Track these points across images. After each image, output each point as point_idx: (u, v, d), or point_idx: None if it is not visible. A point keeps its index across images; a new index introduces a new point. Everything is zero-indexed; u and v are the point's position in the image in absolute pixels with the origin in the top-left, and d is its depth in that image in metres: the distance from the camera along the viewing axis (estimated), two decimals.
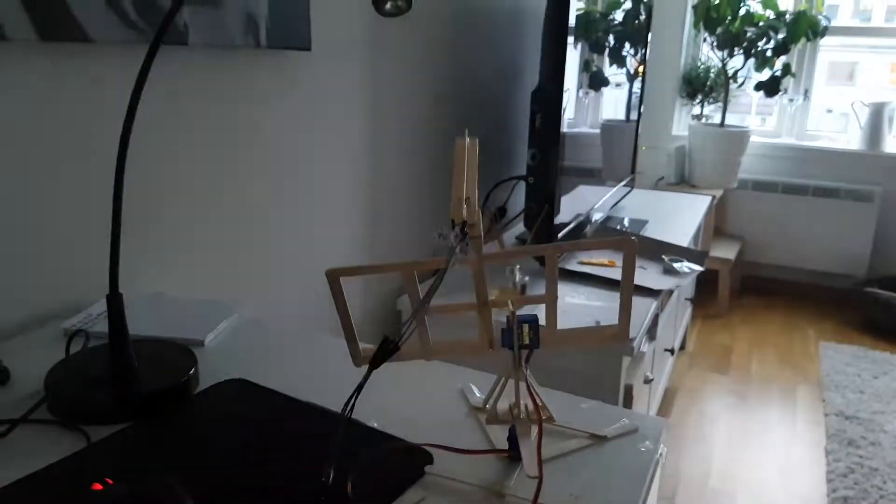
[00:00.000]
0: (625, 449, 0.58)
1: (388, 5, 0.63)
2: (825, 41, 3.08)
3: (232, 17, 0.97)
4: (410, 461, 0.54)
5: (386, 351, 0.51)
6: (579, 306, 1.39)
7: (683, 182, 3.18)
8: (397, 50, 1.43)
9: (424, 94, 1.56)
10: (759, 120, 3.47)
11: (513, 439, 0.55)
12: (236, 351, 0.76)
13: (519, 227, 1.95)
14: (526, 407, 0.55)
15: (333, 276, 0.56)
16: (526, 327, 0.54)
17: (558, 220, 1.59)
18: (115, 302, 0.64)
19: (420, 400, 0.66)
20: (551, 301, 0.58)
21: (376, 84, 1.37)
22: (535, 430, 0.53)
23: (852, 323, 2.92)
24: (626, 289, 0.59)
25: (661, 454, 0.59)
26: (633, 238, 0.56)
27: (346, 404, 0.48)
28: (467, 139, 0.63)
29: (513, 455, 0.55)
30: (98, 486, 0.45)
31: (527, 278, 1.48)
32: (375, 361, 0.51)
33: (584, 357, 1.29)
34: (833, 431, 2.00)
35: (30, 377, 0.68)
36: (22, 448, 0.56)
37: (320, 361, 0.74)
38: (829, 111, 3.48)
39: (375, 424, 0.60)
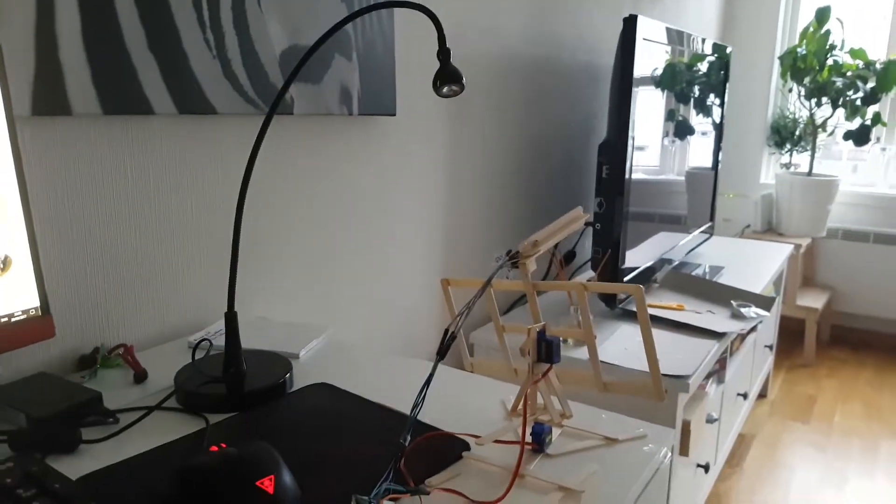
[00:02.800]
0: (631, 450, 0.69)
1: (445, 90, 0.79)
2: None
3: (330, 90, 1.16)
4: (451, 447, 0.68)
5: (447, 342, 0.64)
6: (643, 346, 1.48)
7: (770, 230, 3.16)
8: (475, 110, 1.60)
9: (500, 149, 1.72)
10: (851, 168, 3.41)
11: (535, 434, 0.68)
12: (324, 363, 0.92)
13: (591, 271, 2.05)
14: (546, 408, 0.68)
15: (444, 284, 0.81)
16: (544, 345, 0.67)
17: (629, 264, 1.69)
18: (231, 319, 0.81)
19: (467, 404, 0.79)
20: (588, 337, 0.71)
21: (454, 142, 1.55)
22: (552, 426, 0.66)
23: None
24: (647, 342, 0.70)
25: (664, 456, 0.69)
26: (640, 286, 0.68)
27: (421, 391, 0.62)
28: (582, 210, 0.80)
29: (535, 447, 0.68)
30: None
31: (591, 317, 1.58)
32: (441, 352, 0.65)
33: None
34: None
35: (162, 377, 0.86)
36: (157, 429, 0.73)
37: (390, 374, 0.89)
38: None
39: (428, 420, 0.74)
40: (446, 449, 0.68)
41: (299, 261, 1.22)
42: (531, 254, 0.76)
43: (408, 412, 0.76)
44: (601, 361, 1.37)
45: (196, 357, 0.87)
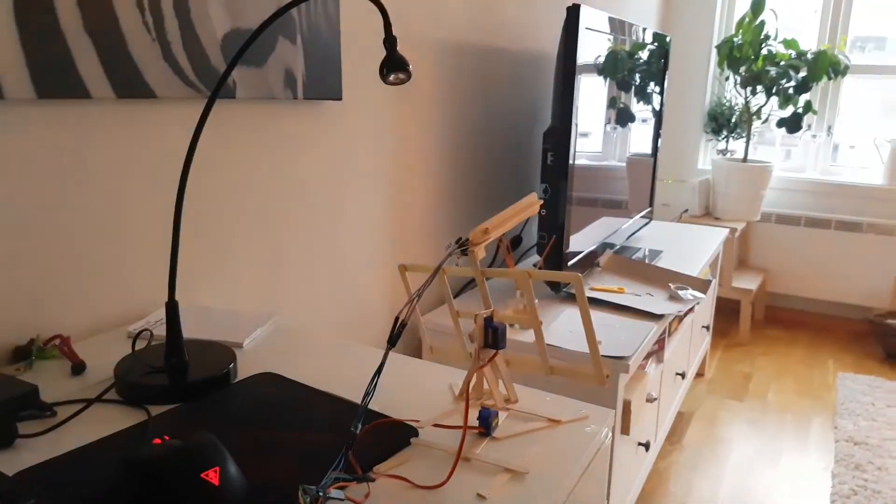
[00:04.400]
0: (574, 431, 0.71)
1: (392, 77, 0.79)
2: (874, 72, 3.17)
3: (274, 73, 1.14)
4: (400, 433, 0.68)
5: (398, 329, 0.64)
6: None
7: (707, 215, 3.26)
8: (422, 97, 1.60)
9: (447, 135, 1.72)
10: (784, 155, 3.54)
11: (482, 419, 0.69)
12: (269, 352, 0.92)
13: (537, 256, 2.08)
14: (492, 392, 0.69)
15: (402, 269, 0.83)
16: (490, 331, 0.68)
17: (573, 248, 1.72)
18: (172, 308, 0.80)
19: (416, 391, 0.80)
20: (534, 323, 0.72)
21: (402, 127, 1.54)
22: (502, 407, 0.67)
23: (872, 354, 2.95)
24: (587, 329, 0.72)
25: (605, 436, 0.72)
26: (579, 275, 0.70)
27: (371, 380, 0.62)
28: (537, 196, 0.80)
29: (482, 431, 0.69)
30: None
31: (536, 301, 1.61)
32: (392, 340, 0.65)
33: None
34: (841, 456, 2.06)
35: (101, 369, 0.84)
36: (97, 421, 0.72)
37: (337, 362, 0.89)
38: (852, 147, 3.54)
39: (377, 407, 0.75)
40: (395, 435, 0.68)
41: (243, 248, 1.20)
42: (481, 241, 0.77)
43: (356, 400, 0.77)
44: (548, 345, 1.40)
45: (136, 347, 0.85)
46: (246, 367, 0.86)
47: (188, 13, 0.99)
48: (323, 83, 1.25)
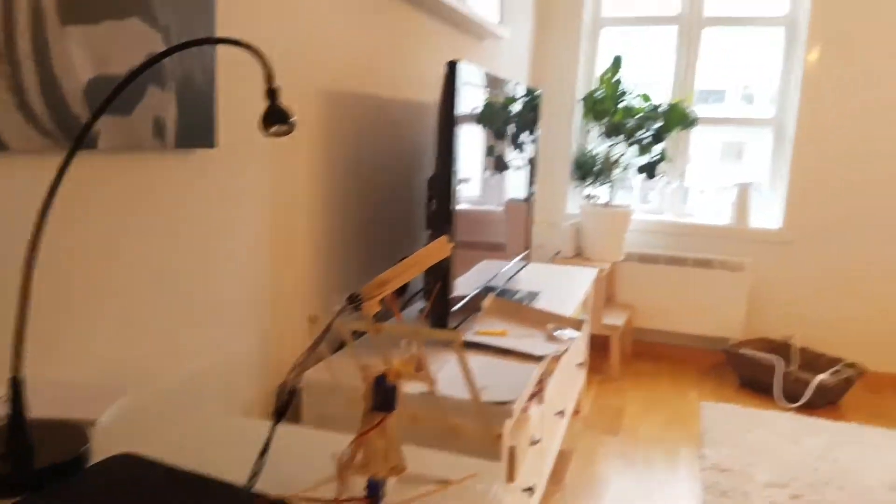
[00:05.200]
0: (466, 491, 0.70)
1: (273, 129, 0.76)
2: (716, 123, 3.47)
3: (142, 122, 1.07)
4: None
5: (286, 400, 0.60)
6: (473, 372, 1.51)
7: (578, 255, 3.42)
8: (303, 144, 1.56)
9: (331, 183, 1.69)
10: (643, 199, 3.80)
11: (370, 487, 0.66)
12: (129, 429, 0.83)
13: (423, 301, 2.08)
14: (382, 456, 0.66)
15: (312, 320, 0.74)
16: (381, 392, 0.66)
17: (458, 293, 1.73)
18: (16, 386, 0.71)
19: (298, 462, 0.75)
20: (428, 382, 0.70)
21: (283, 175, 1.50)
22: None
23: (729, 383, 3.18)
24: (470, 387, 0.71)
25: (496, 492, 0.71)
26: (458, 333, 0.70)
27: (258, 459, 0.58)
28: (445, 241, 0.76)
29: (370, 500, 0.66)
30: None
31: (423, 349, 1.59)
32: (279, 412, 0.61)
33: (467, 420, 1.41)
34: (708, 484, 2.18)
35: None
36: None
37: (209, 436, 0.83)
38: (702, 191, 3.86)
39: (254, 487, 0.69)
40: None
41: (102, 312, 1.10)
42: (375, 295, 0.75)
43: (229, 477, 0.71)
44: (441, 396, 1.39)
45: None
46: (102, 449, 0.77)
47: (48, 58, 0.91)
48: (196, 131, 1.19)
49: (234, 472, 0.72)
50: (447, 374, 1.51)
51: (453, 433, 1.37)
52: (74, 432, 0.76)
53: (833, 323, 3.30)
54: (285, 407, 0.61)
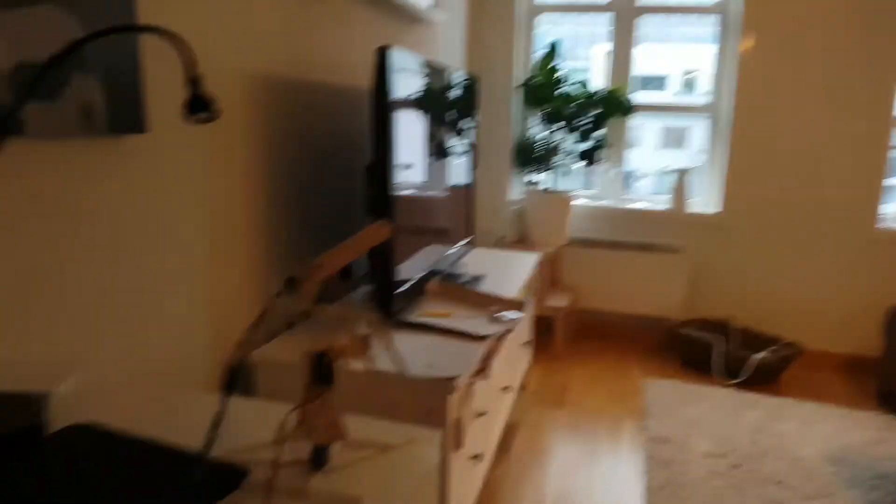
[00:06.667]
0: (405, 454, 0.74)
1: (196, 116, 0.78)
2: (655, 110, 3.57)
3: (68, 108, 1.07)
4: (231, 475, 0.67)
5: (233, 375, 0.63)
6: (418, 352, 1.56)
7: (522, 240, 3.49)
8: (235, 128, 1.57)
9: (267, 168, 1.71)
10: (584, 184, 3.90)
11: (314, 452, 0.70)
12: (83, 402, 0.85)
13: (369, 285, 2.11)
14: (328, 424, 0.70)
15: None
16: (320, 368, 0.70)
17: (402, 277, 1.77)
18: None
19: (246, 430, 0.79)
20: (365, 357, 0.74)
21: (217, 160, 1.51)
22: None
23: (672, 360, 3.32)
24: (395, 362, 0.76)
25: (434, 455, 0.76)
26: (374, 315, 0.74)
27: (212, 429, 0.61)
28: (383, 224, 0.79)
29: (314, 465, 0.70)
30: None
31: (370, 329, 1.63)
32: (227, 387, 0.63)
33: (414, 394, 1.45)
34: (650, 454, 2.28)
35: None
36: None
37: (157, 407, 0.85)
38: (644, 176, 3.98)
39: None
40: (225, 478, 0.67)
41: (42, 293, 1.10)
42: (313, 277, 0.78)
43: (181, 445, 0.74)
44: (381, 371, 1.43)
45: None
46: (57, 419, 0.79)
47: None
48: (125, 116, 1.19)
49: (189, 441, 0.75)
50: (399, 353, 1.55)
51: (394, 406, 1.42)
52: (30, 404, 0.78)
53: (771, 303, 3.47)
54: (233, 380, 0.64)
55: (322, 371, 0.72)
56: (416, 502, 0.70)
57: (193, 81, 0.78)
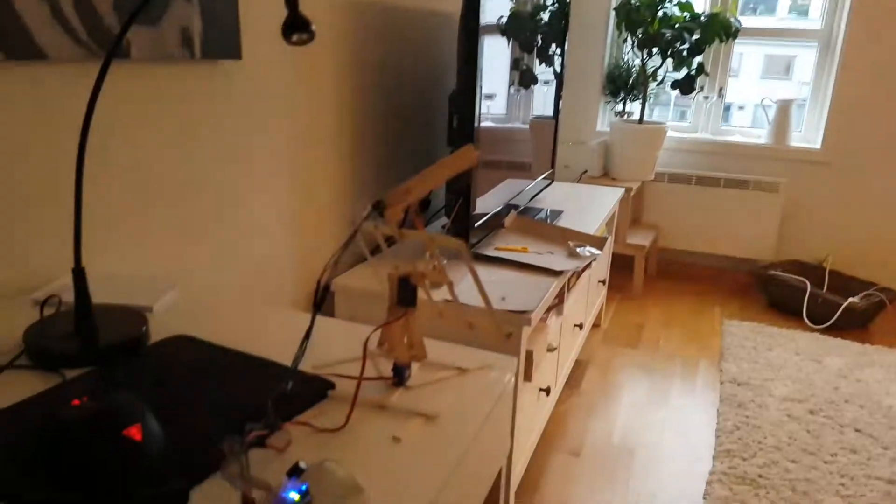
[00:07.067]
0: (481, 378, 0.77)
1: (295, 37, 0.79)
2: (762, 34, 3.36)
3: (170, 32, 1.12)
4: (318, 387, 0.72)
5: (324, 292, 0.67)
6: (492, 285, 1.59)
7: (606, 175, 3.41)
8: (325, 57, 1.59)
9: (352, 97, 1.73)
10: (678, 116, 3.74)
11: (395, 370, 0.74)
12: (181, 315, 0.92)
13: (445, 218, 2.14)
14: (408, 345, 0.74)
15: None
16: (404, 290, 0.73)
17: (479, 210, 1.78)
18: (79, 274, 0.79)
19: (332, 347, 0.84)
20: (445, 281, 0.76)
21: (306, 85, 1.53)
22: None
23: (756, 303, 3.22)
24: (480, 292, 0.77)
25: (508, 381, 0.78)
26: (463, 241, 0.75)
27: (301, 344, 0.65)
28: (471, 149, 0.79)
29: (395, 381, 0.74)
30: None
31: (445, 261, 1.67)
32: (317, 304, 0.68)
33: (488, 325, 1.49)
34: (725, 396, 2.26)
35: (8, 337, 0.82)
36: (9, 388, 0.71)
37: (249, 323, 0.91)
38: (741, 108, 3.77)
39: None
40: (313, 389, 0.72)
41: (145, 212, 1.18)
42: (400, 203, 0.80)
43: (270, 358, 0.79)
44: (460, 303, 1.46)
45: (45, 314, 0.84)
46: (159, 331, 0.86)
47: None
48: (221, 42, 1.23)
49: (277, 354, 0.81)
50: (466, 287, 1.58)
51: (471, 331, 1.46)
52: (133, 316, 0.85)
53: (867, 247, 3.28)
54: (323, 297, 0.68)
55: (405, 293, 0.75)
56: (489, 424, 0.74)
57: (291, 1, 0.79)
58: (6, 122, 0.92)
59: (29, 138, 0.96)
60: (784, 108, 3.29)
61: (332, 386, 0.73)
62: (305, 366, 0.78)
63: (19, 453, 0.59)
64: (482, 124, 1.71)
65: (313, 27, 0.82)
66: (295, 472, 0.51)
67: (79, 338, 0.78)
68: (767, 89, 3.63)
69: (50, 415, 0.57)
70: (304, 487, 0.52)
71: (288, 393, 0.70)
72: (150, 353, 0.79)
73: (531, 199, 2.34)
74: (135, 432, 0.58)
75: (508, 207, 2.03)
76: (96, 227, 1.08)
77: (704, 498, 1.75)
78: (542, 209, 2.31)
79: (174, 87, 1.18)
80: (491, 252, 1.79)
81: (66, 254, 1.03)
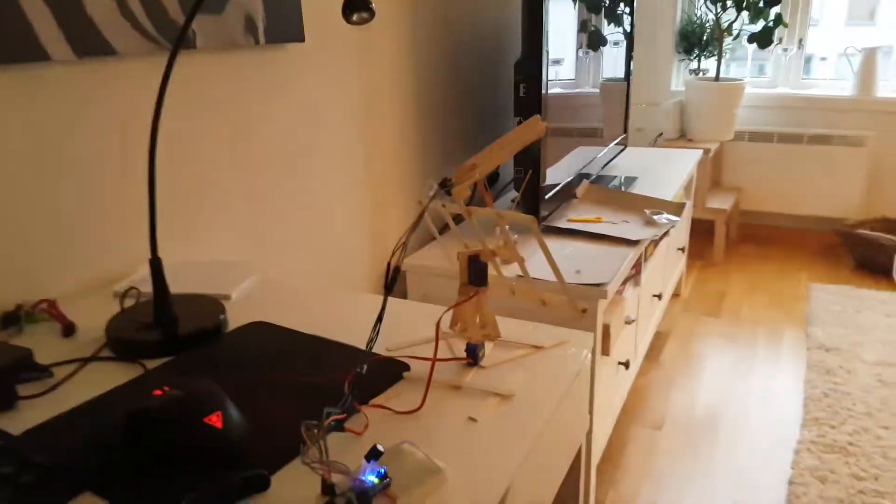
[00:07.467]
0: (556, 356, 0.75)
1: (355, 17, 0.78)
2: None
3: (233, 19, 1.12)
4: (393, 369, 0.71)
5: (395, 273, 0.66)
6: (565, 258, 1.55)
7: (682, 137, 3.28)
8: (386, 34, 1.57)
9: (414, 73, 1.71)
10: (756, 71, 3.54)
11: (469, 350, 0.72)
12: (257, 302, 0.93)
13: (514, 191, 2.10)
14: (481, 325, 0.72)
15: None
16: (474, 269, 0.71)
17: (550, 181, 1.73)
18: (156, 264, 0.81)
19: (406, 329, 0.83)
20: (516, 258, 0.74)
21: (367, 68, 1.52)
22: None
23: (843, 264, 3.04)
24: (552, 267, 0.74)
25: (585, 358, 0.75)
26: (533, 217, 0.72)
27: (374, 326, 0.64)
28: (538, 120, 0.77)
29: (469, 361, 0.72)
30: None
31: (516, 236, 1.64)
32: (388, 286, 0.67)
33: (563, 300, 1.45)
34: (813, 363, 2.15)
35: (91, 328, 0.85)
36: (94, 379, 0.74)
37: (323, 308, 0.91)
38: (823, 59, 3.54)
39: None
40: (388, 371, 0.71)
41: (218, 200, 1.20)
42: (466, 179, 0.78)
43: (345, 342, 0.79)
44: (532, 278, 1.43)
45: (125, 305, 0.86)
46: (236, 318, 0.88)
47: None
48: (284, 26, 1.23)
49: (350, 336, 0.80)
50: (538, 262, 1.55)
51: (545, 308, 1.42)
52: (212, 304, 0.87)
53: None
54: (393, 280, 0.67)
55: (476, 272, 0.73)
56: (567, 402, 0.71)
57: None
58: (82, 118, 0.95)
59: (102, 132, 0.98)
60: (869, 56, 3.06)
61: (406, 368, 0.72)
62: (380, 348, 0.77)
63: (104, 444, 0.60)
64: (550, 91, 1.65)
65: (372, 5, 0.80)
66: (373, 454, 0.51)
67: (158, 328, 0.80)
68: (851, 38, 3.39)
69: (133, 405, 0.58)
70: (382, 470, 0.51)
71: (364, 376, 0.69)
72: (228, 341, 0.81)
73: (604, 166, 2.26)
74: (215, 420, 0.59)
75: (580, 177, 1.97)
76: (172, 216, 1.11)
77: (792, 468, 1.68)
78: (615, 176, 2.24)
79: (239, 74, 1.19)
80: (563, 224, 1.75)
81: (145, 245, 1.06)
